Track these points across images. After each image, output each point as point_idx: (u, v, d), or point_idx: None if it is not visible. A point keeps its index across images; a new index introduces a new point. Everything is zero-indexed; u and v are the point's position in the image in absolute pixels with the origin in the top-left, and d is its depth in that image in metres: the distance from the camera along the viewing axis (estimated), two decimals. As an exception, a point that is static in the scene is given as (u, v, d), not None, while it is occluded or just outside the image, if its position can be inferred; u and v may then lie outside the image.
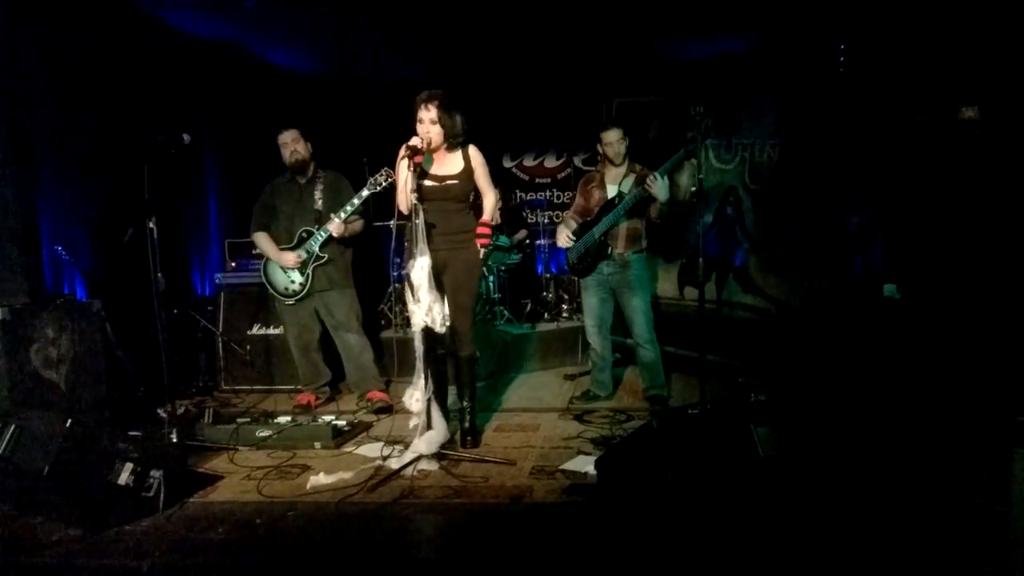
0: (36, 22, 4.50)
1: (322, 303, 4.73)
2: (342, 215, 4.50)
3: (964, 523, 2.71)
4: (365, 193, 4.30)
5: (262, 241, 4.71)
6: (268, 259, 4.73)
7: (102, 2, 5.02)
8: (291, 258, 4.60)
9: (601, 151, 4.59)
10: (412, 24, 5.92)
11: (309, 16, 5.66)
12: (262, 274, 4.78)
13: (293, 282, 4.68)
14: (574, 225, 4.66)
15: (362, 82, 7.75)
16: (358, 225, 4.71)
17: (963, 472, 3.06)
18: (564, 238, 4.63)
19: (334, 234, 4.55)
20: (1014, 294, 4.17)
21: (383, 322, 6.16)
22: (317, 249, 4.61)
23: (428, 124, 3.70)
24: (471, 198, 4.00)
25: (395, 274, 5.05)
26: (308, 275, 4.65)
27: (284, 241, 4.69)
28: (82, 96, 4.90)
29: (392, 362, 5.15)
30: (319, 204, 4.68)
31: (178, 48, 5.81)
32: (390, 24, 5.93)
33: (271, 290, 4.75)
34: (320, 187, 4.71)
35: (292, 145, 4.66)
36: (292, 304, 4.71)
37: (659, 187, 4.25)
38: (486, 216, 3.95)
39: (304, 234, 4.64)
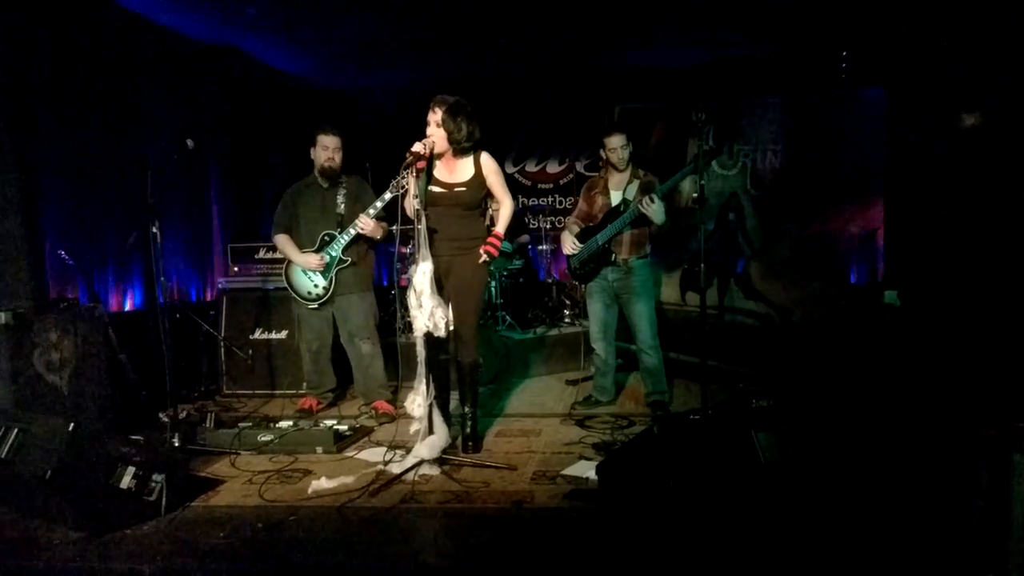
0: (38, 27, 4.52)
1: (340, 308, 4.70)
2: (372, 211, 4.43)
3: (963, 528, 2.71)
4: (388, 196, 4.25)
5: (284, 244, 4.67)
6: (290, 263, 4.69)
7: (106, 8, 5.05)
8: (315, 260, 4.56)
9: (604, 156, 4.59)
10: (415, 31, 5.94)
11: (312, 22, 5.69)
12: (284, 278, 4.73)
13: (316, 286, 4.65)
14: (576, 230, 4.67)
15: (365, 89, 7.79)
16: (385, 225, 4.64)
17: (962, 477, 3.06)
18: (570, 245, 4.62)
19: (365, 231, 4.48)
20: (1014, 302, 4.17)
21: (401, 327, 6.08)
22: (340, 252, 4.59)
23: (433, 127, 3.73)
24: (481, 205, 3.99)
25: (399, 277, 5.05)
26: (331, 278, 4.62)
27: (305, 245, 4.64)
28: (86, 101, 4.92)
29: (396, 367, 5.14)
30: (341, 208, 4.65)
31: (182, 54, 5.84)
32: (393, 32, 5.96)
33: (293, 294, 4.72)
34: (343, 192, 4.67)
35: (333, 152, 4.61)
36: (314, 308, 4.68)
37: (654, 210, 4.25)
38: (500, 226, 3.94)
39: (326, 237, 4.61)
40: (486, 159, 3.87)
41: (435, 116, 3.72)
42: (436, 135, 3.72)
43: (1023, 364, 3.75)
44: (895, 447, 3.59)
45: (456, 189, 3.82)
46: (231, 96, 6.39)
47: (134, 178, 4.57)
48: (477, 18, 5.67)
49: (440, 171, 3.85)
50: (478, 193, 3.87)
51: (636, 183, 4.50)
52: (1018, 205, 4.34)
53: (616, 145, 4.49)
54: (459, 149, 3.80)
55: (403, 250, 5.67)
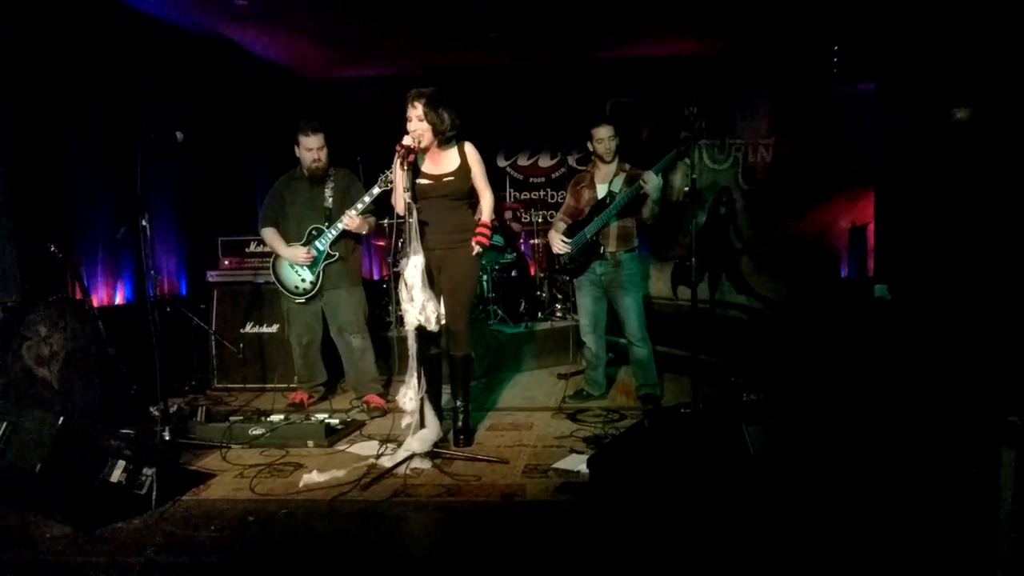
0: (25, 19, 4.49)
1: (329, 302, 4.68)
2: (358, 207, 4.42)
3: (952, 522, 2.73)
4: (376, 191, 4.25)
5: (271, 238, 4.64)
6: (278, 256, 4.66)
7: (95, 0, 5.01)
8: (302, 254, 4.53)
9: (592, 148, 4.60)
10: (405, 23, 5.92)
11: (302, 14, 5.66)
12: (271, 272, 4.71)
13: (304, 280, 4.62)
14: (563, 227, 4.67)
15: (356, 80, 7.76)
16: (372, 220, 4.65)
17: (951, 471, 3.08)
18: (559, 244, 4.63)
19: (350, 228, 4.46)
20: (1005, 295, 4.20)
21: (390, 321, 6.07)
22: (328, 247, 4.57)
23: (416, 122, 3.70)
24: (469, 195, 3.99)
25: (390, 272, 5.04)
26: (319, 273, 4.59)
27: (293, 238, 4.61)
28: (75, 93, 4.89)
29: (388, 361, 5.14)
30: (329, 202, 4.62)
31: (172, 45, 5.80)
32: (384, 23, 5.93)
33: (281, 288, 4.69)
34: (331, 185, 4.64)
35: (317, 151, 4.54)
36: (302, 303, 4.66)
37: (653, 186, 4.26)
38: (485, 216, 3.94)
39: (314, 231, 4.59)
40: (470, 148, 3.88)
41: (416, 111, 3.69)
42: (421, 129, 3.70)
43: (1012, 358, 3.78)
44: (884, 441, 3.61)
45: (444, 179, 3.82)
46: (221, 87, 6.36)
47: (124, 171, 4.54)
48: (469, 11, 5.65)
49: (426, 164, 3.85)
50: (465, 182, 3.87)
51: (622, 176, 4.51)
52: (1007, 199, 4.37)
53: (603, 136, 4.50)
54: (444, 140, 3.79)
55: (386, 243, 5.67)
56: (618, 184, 4.49)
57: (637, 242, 4.62)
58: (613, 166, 4.57)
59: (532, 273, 7.39)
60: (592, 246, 4.53)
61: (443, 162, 3.85)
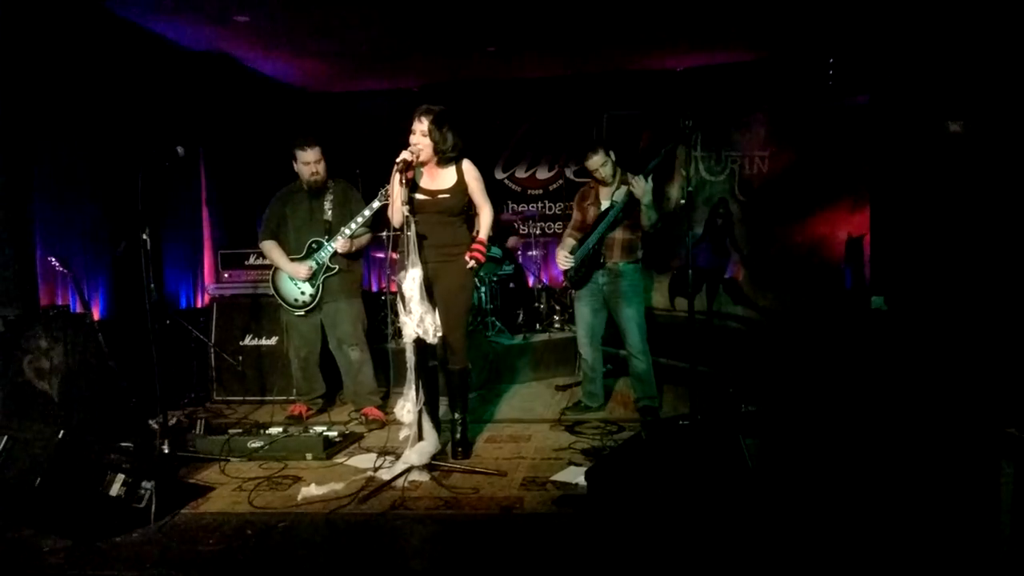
0: (30, 35, 4.52)
1: (328, 315, 4.70)
2: (351, 228, 4.48)
3: (952, 532, 2.74)
4: (376, 205, 4.29)
5: (272, 251, 4.66)
6: (277, 269, 4.68)
7: (96, 16, 5.04)
8: (303, 270, 4.56)
9: (591, 174, 4.63)
10: (404, 37, 5.96)
11: (303, 30, 5.70)
12: (271, 284, 4.73)
13: (303, 293, 4.64)
14: (571, 243, 4.68)
15: (355, 94, 7.80)
16: (364, 239, 4.69)
17: (952, 482, 3.09)
18: (562, 259, 4.65)
19: (340, 251, 4.54)
20: (1002, 305, 4.21)
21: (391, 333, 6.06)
22: (327, 260, 4.59)
23: (419, 136, 3.74)
24: (464, 212, 4.02)
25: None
26: (318, 286, 4.61)
27: (293, 251, 4.65)
28: (78, 108, 4.91)
29: (387, 374, 5.14)
30: (329, 215, 4.65)
31: (172, 61, 5.83)
32: (383, 38, 5.97)
33: (280, 301, 4.71)
34: (330, 197, 4.67)
35: (315, 165, 4.57)
36: (301, 315, 4.68)
37: (640, 188, 4.28)
38: (483, 232, 3.95)
39: (314, 245, 4.61)
40: (468, 166, 3.90)
41: (421, 126, 3.73)
42: (422, 144, 3.74)
43: (1011, 369, 3.79)
44: (883, 453, 3.62)
45: (439, 196, 3.85)
46: (222, 102, 6.38)
47: (125, 185, 4.56)
48: (466, 26, 5.69)
49: (423, 179, 3.87)
50: (461, 200, 3.90)
51: (624, 188, 4.52)
52: (1001, 210, 4.39)
53: (596, 165, 4.51)
54: (443, 159, 3.82)
55: (394, 256, 5.68)
56: (621, 196, 4.51)
57: (642, 254, 4.63)
58: (616, 182, 4.58)
59: (530, 284, 7.41)
60: (594, 256, 4.54)
61: (440, 179, 3.87)
